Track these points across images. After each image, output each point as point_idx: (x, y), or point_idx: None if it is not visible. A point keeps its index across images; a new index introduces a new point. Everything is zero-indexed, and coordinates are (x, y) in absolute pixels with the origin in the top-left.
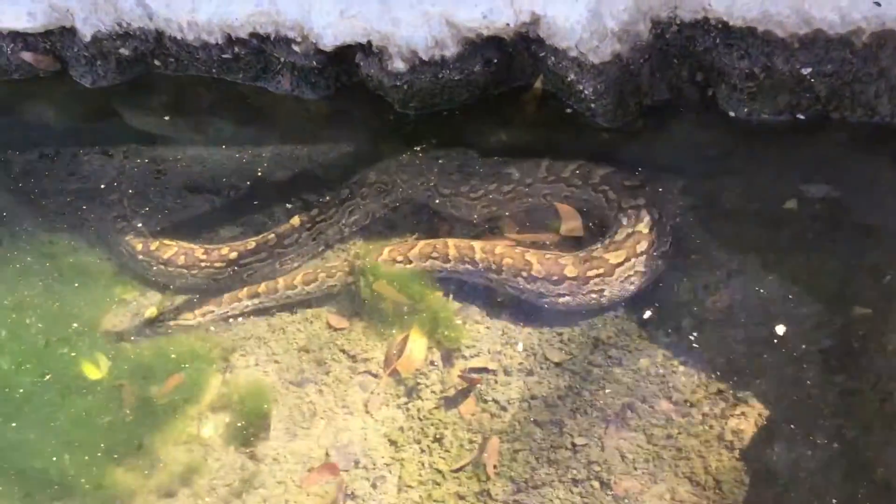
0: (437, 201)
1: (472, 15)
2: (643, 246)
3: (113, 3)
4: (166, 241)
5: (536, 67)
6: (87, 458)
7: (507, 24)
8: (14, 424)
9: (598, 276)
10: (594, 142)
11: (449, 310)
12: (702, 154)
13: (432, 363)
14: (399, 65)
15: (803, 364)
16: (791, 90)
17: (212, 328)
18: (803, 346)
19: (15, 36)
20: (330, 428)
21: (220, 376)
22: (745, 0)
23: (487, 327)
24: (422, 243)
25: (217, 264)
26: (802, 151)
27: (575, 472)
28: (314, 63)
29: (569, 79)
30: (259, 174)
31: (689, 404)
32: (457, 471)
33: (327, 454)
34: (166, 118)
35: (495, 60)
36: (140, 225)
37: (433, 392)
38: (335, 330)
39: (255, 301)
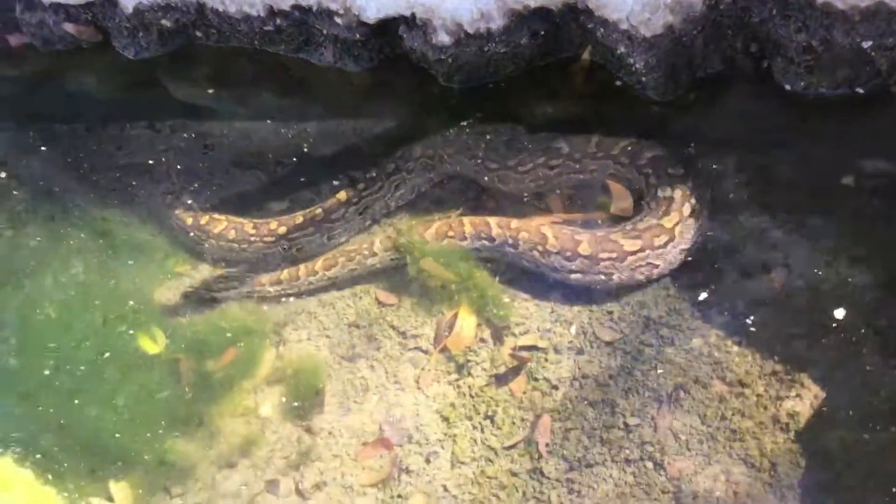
0: (485, 176)
1: None
2: (661, 240)
3: None
4: (216, 216)
5: (584, 38)
6: (148, 431)
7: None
8: (76, 402)
9: (609, 259)
10: (644, 115)
11: (497, 287)
12: (756, 128)
13: (482, 340)
14: (444, 38)
15: (860, 346)
16: (850, 64)
17: (264, 307)
18: (861, 330)
19: (57, 7)
20: (382, 403)
21: (274, 350)
22: None
23: (537, 304)
24: (438, 223)
25: (267, 238)
26: (861, 126)
27: (628, 452)
28: (357, 35)
29: (619, 52)
30: (305, 150)
31: (743, 385)
32: (509, 448)
33: (381, 429)
34: (210, 90)
35: (542, 32)
36: (189, 201)
37: (483, 369)
38: (384, 306)
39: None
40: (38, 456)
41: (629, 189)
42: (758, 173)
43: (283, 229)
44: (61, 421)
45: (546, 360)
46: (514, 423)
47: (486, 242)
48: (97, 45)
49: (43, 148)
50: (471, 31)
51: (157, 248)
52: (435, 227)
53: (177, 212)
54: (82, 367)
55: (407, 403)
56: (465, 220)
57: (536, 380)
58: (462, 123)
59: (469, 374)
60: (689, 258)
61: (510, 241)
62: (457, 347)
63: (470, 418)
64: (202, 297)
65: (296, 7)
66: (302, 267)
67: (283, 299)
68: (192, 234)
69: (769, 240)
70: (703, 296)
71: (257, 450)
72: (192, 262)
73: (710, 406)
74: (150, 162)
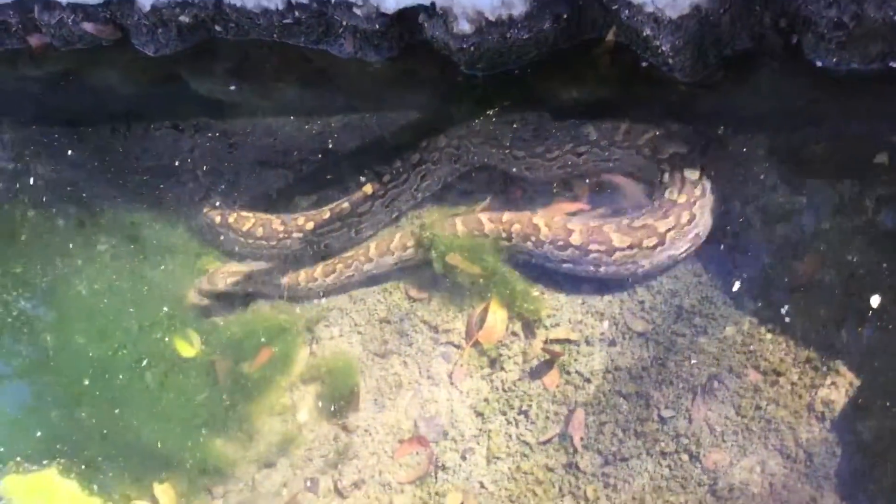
0: (513, 165)
1: None
2: (651, 242)
3: None
4: (244, 213)
5: (608, 20)
6: (188, 434)
7: None
8: (117, 411)
9: (598, 251)
10: (672, 96)
11: (525, 281)
12: (786, 106)
13: (514, 334)
14: (465, 27)
15: None
16: (884, 38)
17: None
18: None
19: (75, 7)
20: (416, 399)
21: (307, 348)
22: None
23: (567, 296)
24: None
25: (295, 234)
26: (895, 101)
27: (663, 444)
28: (376, 26)
29: (644, 34)
30: (330, 146)
31: (777, 374)
32: (544, 443)
33: (416, 425)
34: (232, 84)
35: (565, 16)
36: (217, 203)
37: (516, 363)
38: (414, 301)
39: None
40: (83, 466)
41: (645, 181)
42: (789, 153)
43: (310, 225)
44: (104, 430)
45: (578, 352)
46: (548, 418)
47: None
48: (117, 43)
49: (70, 152)
50: (492, 18)
51: (187, 249)
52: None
53: (204, 210)
54: (121, 376)
55: (441, 399)
56: (458, 219)
57: (569, 373)
58: (488, 112)
59: (502, 368)
60: (680, 262)
61: (503, 234)
62: (488, 341)
63: (504, 413)
64: (235, 296)
65: None
66: (302, 273)
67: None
68: (220, 232)
69: (801, 222)
70: (735, 282)
71: (295, 449)
72: (222, 261)
73: (744, 396)
74: (176, 163)
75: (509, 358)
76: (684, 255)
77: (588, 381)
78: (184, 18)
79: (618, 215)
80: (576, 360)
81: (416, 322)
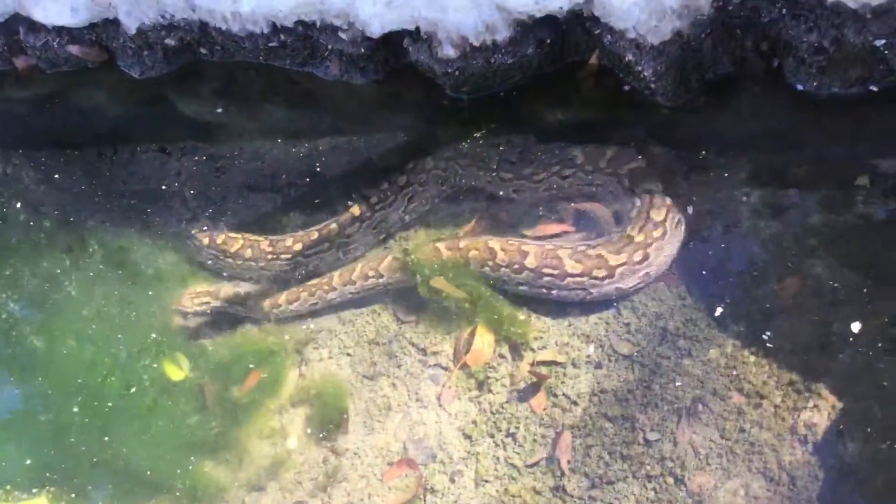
0: (500, 188)
1: (525, 0)
2: (601, 273)
3: None
4: (232, 234)
5: (591, 44)
6: (179, 459)
7: (561, 7)
8: (107, 438)
9: (550, 275)
10: (655, 119)
11: (512, 305)
12: (767, 129)
13: (501, 356)
14: (449, 51)
15: (877, 354)
16: (863, 63)
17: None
18: (878, 342)
19: (60, 30)
20: (405, 421)
21: (297, 370)
22: None
23: (553, 318)
24: (390, 257)
25: (283, 256)
26: (875, 124)
27: (648, 467)
28: (362, 50)
29: (626, 59)
30: (318, 169)
31: (760, 396)
32: (531, 466)
33: (405, 448)
34: (218, 106)
35: (548, 40)
36: (206, 228)
37: (503, 385)
38: (403, 322)
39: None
40: (73, 494)
41: (620, 210)
42: (771, 176)
43: (298, 246)
44: (93, 458)
45: (565, 374)
46: (535, 441)
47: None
48: (103, 65)
49: (56, 176)
50: (476, 43)
51: (175, 273)
52: (388, 261)
53: (192, 232)
54: (110, 403)
55: (429, 421)
56: (441, 244)
57: (556, 395)
58: (475, 135)
59: (489, 390)
60: (630, 295)
61: (461, 260)
62: (476, 364)
63: (492, 435)
64: (223, 318)
65: (299, 23)
66: (267, 300)
67: (308, 317)
68: (209, 253)
69: (783, 246)
70: (718, 305)
71: (285, 472)
72: (210, 283)
73: (728, 419)
74: (164, 187)
75: (497, 380)
76: (633, 289)
77: (575, 403)
78: (169, 41)
79: (601, 238)
80: (563, 382)
81: (405, 344)
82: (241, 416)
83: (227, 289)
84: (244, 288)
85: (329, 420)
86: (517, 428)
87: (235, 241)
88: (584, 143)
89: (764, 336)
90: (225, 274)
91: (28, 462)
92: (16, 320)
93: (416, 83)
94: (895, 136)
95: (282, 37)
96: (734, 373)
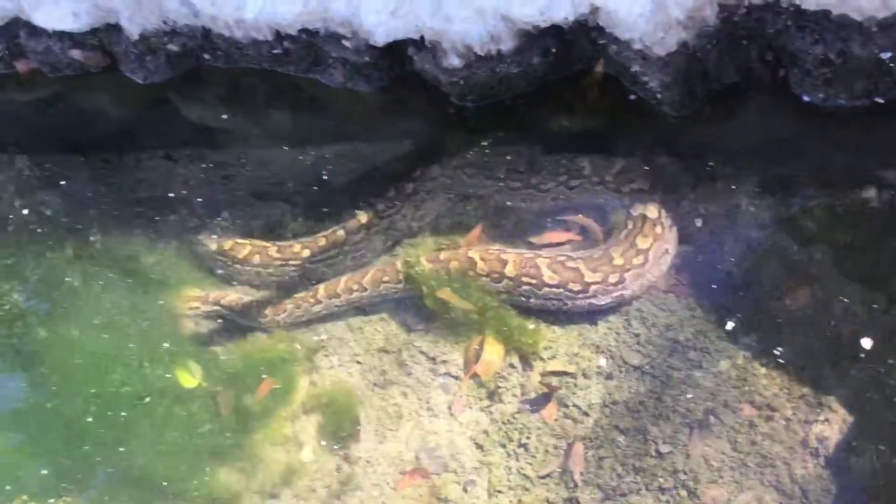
0: (508, 197)
1: (529, 11)
2: (576, 287)
3: (157, 2)
4: (240, 241)
5: (596, 52)
6: (193, 467)
7: (566, 18)
8: (122, 449)
9: (528, 284)
10: (660, 128)
11: (520, 314)
12: (773, 139)
13: (511, 365)
14: (454, 61)
15: (888, 369)
16: (869, 75)
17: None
18: (889, 357)
19: (62, 35)
20: (417, 430)
21: (307, 377)
22: None
23: (563, 328)
24: (374, 270)
25: (292, 262)
26: (882, 135)
27: (661, 480)
28: (366, 58)
29: (632, 69)
30: (325, 177)
31: (771, 408)
32: (544, 477)
33: (417, 457)
34: (223, 111)
35: (553, 50)
36: (214, 235)
37: (514, 395)
38: (412, 331)
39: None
40: None
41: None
42: (777, 186)
43: (306, 252)
44: (108, 469)
45: (576, 385)
46: (547, 451)
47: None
48: (106, 70)
49: (62, 182)
50: (481, 53)
51: (185, 280)
52: (371, 275)
53: (200, 238)
54: (124, 413)
55: (441, 430)
56: (398, 262)
57: (567, 406)
58: (482, 143)
59: (500, 400)
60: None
61: (443, 272)
62: (486, 373)
63: (504, 446)
64: (232, 325)
65: (303, 31)
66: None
67: (313, 325)
68: (217, 260)
69: (791, 257)
70: (728, 317)
71: (298, 479)
72: (219, 286)
73: (740, 431)
74: (171, 195)
75: (507, 390)
76: (605, 307)
77: (586, 414)
78: (172, 47)
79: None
80: (574, 393)
81: (415, 352)
82: (253, 424)
83: (216, 295)
84: (244, 295)
85: (341, 428)
86: (529, 438)
87: (243, 248)
88: (593, 153)
89: (774, 348)
90: (234, 282)
91: (44, 472)
92: (26, 327)
93: (422, 90)
94: None
95: (285, 44)
96: (745, 385)
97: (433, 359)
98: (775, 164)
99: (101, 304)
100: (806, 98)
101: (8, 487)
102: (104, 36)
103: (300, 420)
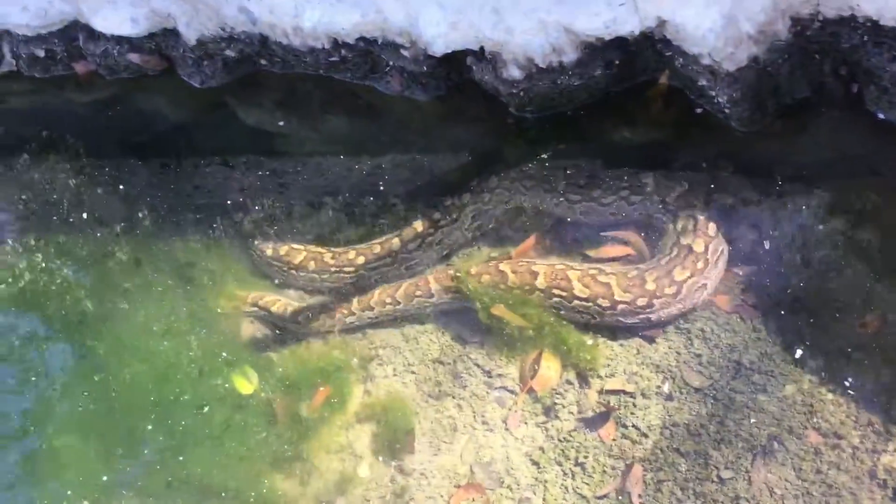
0: (567, 210)
1: (594, 24)
2: (604, 303)
3: (215, 9)
4: (295, 246)
5: (661, 64)
6: (250, 474)
7: (632, 31)
8: (181, 458)
9: (559, 296)
10: (727, 142)
11: (577, 330)
12: (845, 156)
13: (568, 382)
14: (514, 72)
15: None
16: None
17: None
18: None
19: (120, 39)
20: (471, 444)
21: (362, 386)
22: None
23: (621, 345)
24: (406, 283)
25: (347, 269)
26: None
27: None
28: (424, 68)
29: (699, 83)
30: (381, 188)
31: (838, 436)
32: (601, 497)
33: (472, 471)
34: (280, 116)
35: (617, 62)
36: (270, 242)
37: (571, 413)
38: (467, 343)
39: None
40: None
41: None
42: (848, 205)
43: (361, 259)
44: (168, 478)
45: (634, 405)
46: (604, 472)
47: (446, 297)
48: (163, 73)
49: (121, 187)
50: (542, 64)
51: (242, 286)
52: (403, 288)
53: (255, 243)
54: (183, 422)
55: (496, 445)
56: (430, 277)
57: (625, 426)
58: (542, 155)
59: (557, 416)
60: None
61: (478, 286)
62: (542, 389)
63: (560, 464)
64: (286, 331)
65: (361, 39)
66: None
67: (368, 330)
68: (272, 265)
69: (862, 280)
70: (794, 340)
71: (353, 489)
72: (276, 293)
73: (805, 459)
74: (228, 202)
75: (564, 407)
76: (630, 326)
77: (645, 435)
78: (229, 53)
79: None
80: (632, 413)
81: (470, 365)
82: (309, 431)
83: (255, 296)
84: (293, 301)
85: (395, 438)
86: (586, 457)
87: (298, 253)
88: (656, 169)
89: (842, 373)
90: (292, 290)
91: (105, 478)
92: (86, 332)
93: (480, 100)
94: None
95: (343, 52)
96: (811, 410)
97: (488, 372)
98: (847, 183)
99: (160, 311)
100: (881, 115)
101: (69, 493)
102: (162, 40)
103: (354, 429)
